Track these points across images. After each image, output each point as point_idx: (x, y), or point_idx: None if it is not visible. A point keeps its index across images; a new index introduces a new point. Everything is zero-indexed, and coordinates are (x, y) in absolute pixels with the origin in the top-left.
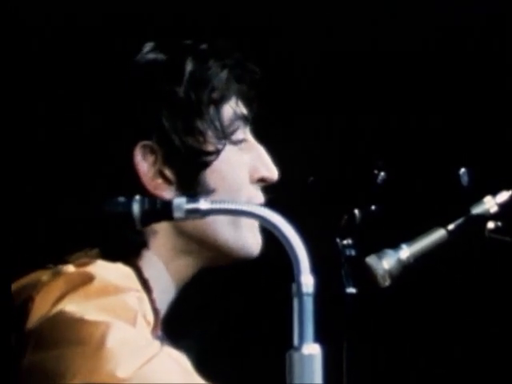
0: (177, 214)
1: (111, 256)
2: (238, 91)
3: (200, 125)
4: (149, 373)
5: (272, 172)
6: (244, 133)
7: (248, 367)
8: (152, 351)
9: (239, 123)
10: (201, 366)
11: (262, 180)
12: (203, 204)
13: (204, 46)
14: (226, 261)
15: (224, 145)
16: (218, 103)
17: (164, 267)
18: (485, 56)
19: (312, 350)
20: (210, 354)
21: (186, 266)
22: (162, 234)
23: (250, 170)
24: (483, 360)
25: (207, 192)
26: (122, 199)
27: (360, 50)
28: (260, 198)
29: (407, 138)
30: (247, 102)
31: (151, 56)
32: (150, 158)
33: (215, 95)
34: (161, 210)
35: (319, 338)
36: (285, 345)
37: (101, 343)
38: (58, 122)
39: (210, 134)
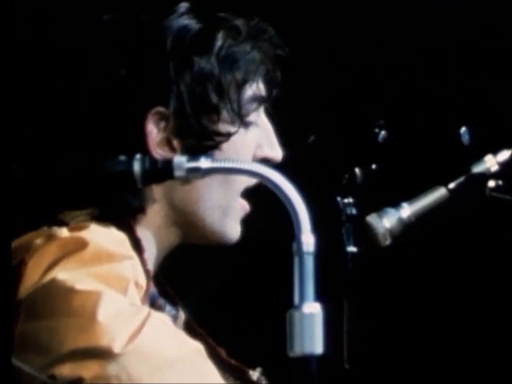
0: (178, 173)
1: (107, 216)
2: (263, 73)
3: (217, 103)
4: (141, 342)
5: (277, 152)
6: (257, 113)
7: (248, 326)
8: (141, 318)
9: (256, 105)
10: (200, 322)
11: (265, 159)
12: (204, 162)
13: (238, 22)
14: (205, 241)
15: (237, 128)
16: (240, 85)
17: (156, 231)
18: (485, 16)
19: (312, 308)
20: (209, 311)
21: (175, 236)
22: (157, 202)
23: (254, 148)
24: (484, 317)
25: None
26: (122, 158)
27: (365, 9)
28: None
29: (408, 96)
30: (269, 84)
31: (184, 21)
32: (162, 125)
33: (239, 76)
34: (162, 169)
35: (320, 296)
36: (285, 304)
37: (92, 316)
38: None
39: (225, 114)
